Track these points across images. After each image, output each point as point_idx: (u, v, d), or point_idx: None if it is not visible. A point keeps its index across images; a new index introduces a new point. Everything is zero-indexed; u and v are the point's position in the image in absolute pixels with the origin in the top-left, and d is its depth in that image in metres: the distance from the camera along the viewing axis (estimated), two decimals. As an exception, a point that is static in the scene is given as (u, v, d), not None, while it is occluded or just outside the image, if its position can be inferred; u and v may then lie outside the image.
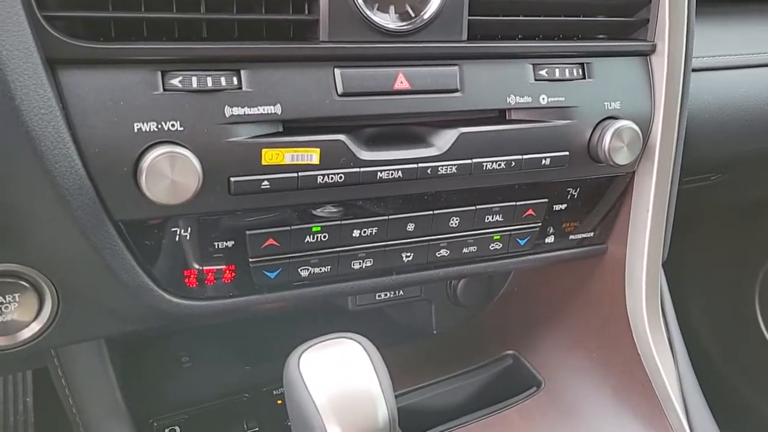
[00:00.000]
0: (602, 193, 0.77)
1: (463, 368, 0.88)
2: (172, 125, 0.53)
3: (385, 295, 0.87)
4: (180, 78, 0.53)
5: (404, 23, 0.60)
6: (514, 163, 0.67)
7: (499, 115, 0.67)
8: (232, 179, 0.56)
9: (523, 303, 0.93)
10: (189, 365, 0.83)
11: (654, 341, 0.76)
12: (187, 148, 0.53)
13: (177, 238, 0.59)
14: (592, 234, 0.79)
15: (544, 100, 0.67)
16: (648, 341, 0.77)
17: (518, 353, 0.90)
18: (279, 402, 0.78)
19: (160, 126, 0.53)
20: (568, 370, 0.84)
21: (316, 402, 0.51)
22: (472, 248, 0.72)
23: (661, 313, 0.78)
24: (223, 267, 0.62)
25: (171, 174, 0.52)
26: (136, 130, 0.52)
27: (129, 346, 0.78)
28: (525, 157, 0.68)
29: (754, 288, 1.63)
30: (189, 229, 0.59)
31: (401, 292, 0.88)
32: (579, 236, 0.78)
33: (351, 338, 0.55)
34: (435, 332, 0.94)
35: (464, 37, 0.63)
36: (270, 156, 0.58)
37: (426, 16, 0.60)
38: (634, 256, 0.79)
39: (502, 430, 0.77)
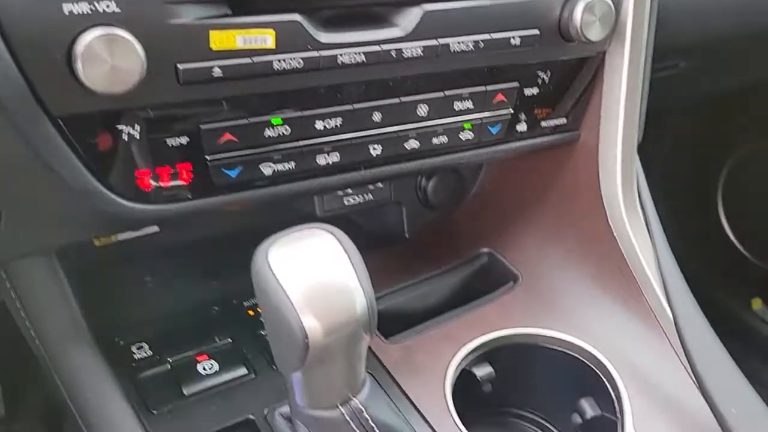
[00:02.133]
0: (574, 76, 0.74)
1: (438, 269, 0.86)
2: (107, 6, 0.48)
3: (354, 199, 0.83)
4: (112, -47, 0.48)
5: None
6: (482, 44, 0.64)
7: (466, -8, 0.63)
8: (180, 66, 0.51)
9: (496, 201, 0.91)
10: (153, 285, 0.79)
11: (630, 224, 0.75)
12: (126, 30, 0.48)
13: (125, 136, 0.54)
14: (564, 120, 0.76)
15: (512, -28, 0.63)
16: (625, 225, 0.75)
17: (494, 251, 0.88)
18: (250, 313, 0.76)
19: (93, 7, 0.47)
20: (545, 262, 0.83)
21: (289, 295, 0.48)
22: (443, 138, 0.68)
23: (637, 197, 0.76)
24: (179, 166, 0.57)
25: (110, 59, 0.47)
26: (66, 12, 0.47)
27: (88, 271, 0.74)
28: (494, 36, 0.64)
29: (718, 184, 1.66)
30: (137, 124, 0.54)
31: (371, 196, 0.85)
32: (551, 123, 0.75)
33: (322, 228, 0.52)
34: (408, 236, 0.91)
35: None
36: (219, 39, 0.53)
37: None
38: (607, 141, 0.76)
39: (481, 326, 0.76)
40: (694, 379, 0.66)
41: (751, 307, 1.73)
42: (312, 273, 0.49)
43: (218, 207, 0.61)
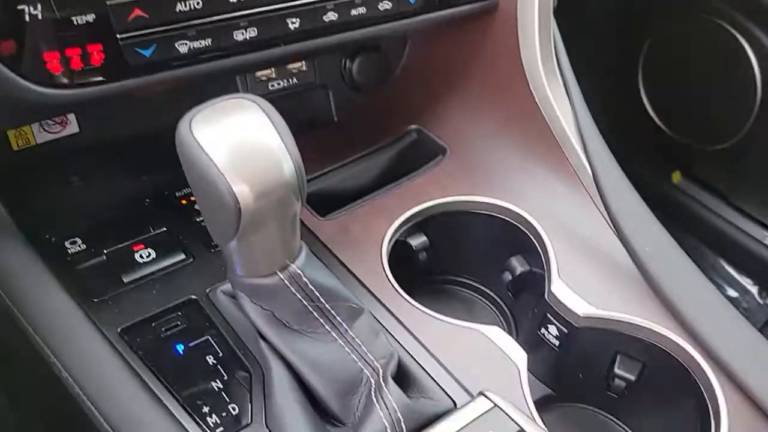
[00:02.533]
0: (488, -60, 0.74)
1: (368, 150, 0.88)
2: None
3: (279, 84, 0.83)
4: None
5: None
6: None
7: None
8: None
9: (422, 78, 0.91)
10: (81, 184, 0.78)
11: (551, 89, 0.77)
12: None
13: (28, 17, 0.52)
14: (482, -13, 0.76)
15: None
16: (545, 90, 0.77)
17: (422, 127, 0.89)
18: (183, 202, 0.75)
19: None
20: (473, 134, 0.85)
21: (216, 163, 0.48)
22: (361, 9, 0.68)
23: (555, 61, 0.78)
24: (90, 48, 0.55)
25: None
26: None
27: (11, 176, 0.72)
28: None
29: (638, 62, 1.70)
30: (39, 3, 0.51)
31: (295, 80, 0.84)
32: (469, -10, 0.76)
33: (245, 97, 0.51)
34: (336, 120, 0.91)
35: None
36: None
37: None
38: (525, 7, 0.77)
39: (413, 198, 0.78)
40: (611, 225, 0.71)
41: (672, 181, 1.82)
42: (238, 139, 0.49)
43: (135, 90, 0.59)
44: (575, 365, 0.72)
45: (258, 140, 0.49)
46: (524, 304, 0.78)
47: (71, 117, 0.72)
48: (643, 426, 0.71)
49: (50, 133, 0.72)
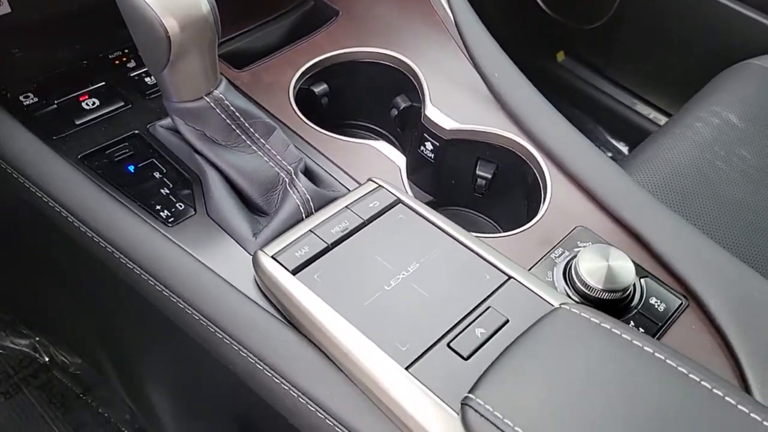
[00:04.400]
0: None
1: (270, 17, 1.02)
2: None
3: None
4: None
5: None
6: None
7: None
8: None
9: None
10: (21, 54, 0.88)
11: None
12: None
13: None
14: None
15: None
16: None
17: (317, -5, 1.04)
18: (116, 62, 0.88)
19: None
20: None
21: (149, 3, 0.62)
22: None
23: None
24: None
25: None
26: None
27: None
28: None
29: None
30: None
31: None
32: None
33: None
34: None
35: None
36: None
37: None
38: None
39: (314, 51, 0.93)
40: (469, 59, 0.89)
41: (557, 60, 2.00)
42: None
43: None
44: (448, 173, 0.91)
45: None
46: (408, 134, 0.96)
47: (2, -1, 0.82)
48: (499, 214, 0.92)
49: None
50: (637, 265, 0.68)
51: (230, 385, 0.70)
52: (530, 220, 0.76)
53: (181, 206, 0.73)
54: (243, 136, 0.73)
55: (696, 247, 0.71)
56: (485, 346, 0.59)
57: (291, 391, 0.60)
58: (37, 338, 1.30)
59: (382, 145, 0.82)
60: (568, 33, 1.88)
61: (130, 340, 0.94)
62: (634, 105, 1.84)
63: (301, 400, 0.60)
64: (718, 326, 0.66)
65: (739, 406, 0.51)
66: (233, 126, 0.73)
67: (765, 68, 1.30)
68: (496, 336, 0.59)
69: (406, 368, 0.57)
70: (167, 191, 0.74)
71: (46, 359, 1.29)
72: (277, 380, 0.61)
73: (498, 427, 0.50)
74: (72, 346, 1.25)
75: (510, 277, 0.64)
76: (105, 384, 1.25)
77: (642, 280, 0.70)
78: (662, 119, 1.76)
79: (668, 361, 0.54)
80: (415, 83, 0.92)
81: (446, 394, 0.55)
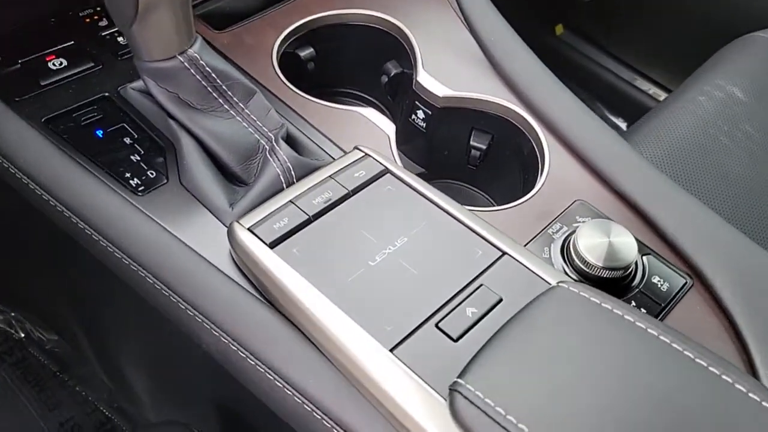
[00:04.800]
0: None
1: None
2: None
3: None
4: None
5: None
6: None
7: None
8: None
9: None
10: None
11: None
12: None
13: None
14: None
15: None
16: None
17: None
18: (87, 20, 0.83)
19: None
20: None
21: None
22: None
23: None
24: None
25: None
26: None
27: None
28: None
29: None
30: None
31: None
32: None
33: None
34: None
35: None
36: None
37: None
38: None
39: (299, 13, 0.87)
40: (464, 22, 0.84)
41: (555, 34, 1.96)
42: None
43: None
44: (441, 143, 0.87)
45: None
46: (399, 102, 0.91)
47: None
48: (493, 187, 0.88)
49: None
50: (639, 242, 0.64)
51: (208, 366, 0.66)
52: (527, 194, 0.71)
53: (152, 174, 0.68)
54: (220, 100, 0.68)
55: (702, 224, 0.66)
56: (476, 326, 0.54)
57: (267, 374, 0.56)
58: (13, 313, 1.25)
59: (371, 112, 0.77)
60: (568, 5, 1.84)
61: (104, 317, 0.90)
62: (633, 80, 1.80)
63: (278, 383, 0.55)
64: (725, 307, 0.62)
65: (750, 394, 0.47)
66: (209, 88, 0.68)
67: (771, 41, 1.25)
68: (488, 316, 0.55)
69: (391, 350, 0.53)
70: (138, 158, 0.69)
71: (22, 335, 1.24)
72: (251, 362, 0.56)
73: (489, 416, 0.45)
74: (48, 322, 1.21)
75: (504, 253, 0.59)
76: (83, 362, 1.21)
77: (644, 258, 0.65)
78: (662, 95, 1.72)
79: (674, 344, 0.50)
80: (407, 48, 0.87)
81: (433, 378, 0.51)
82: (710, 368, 0.48)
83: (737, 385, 0.47)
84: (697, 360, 0.48)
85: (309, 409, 0.54)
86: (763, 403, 0.46)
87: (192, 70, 0.66)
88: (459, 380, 0.48)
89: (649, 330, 0.50)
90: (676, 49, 1.64)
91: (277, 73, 0.80)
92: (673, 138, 1.04)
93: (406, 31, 0.86)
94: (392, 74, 0.89)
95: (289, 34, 0.85)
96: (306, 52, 0.89)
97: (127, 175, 0.67)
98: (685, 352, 0.49)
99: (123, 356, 0.98)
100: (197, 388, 0.82)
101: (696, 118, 1.08)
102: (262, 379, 0.56)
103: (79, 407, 1.20)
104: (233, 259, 0.62)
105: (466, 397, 0.47)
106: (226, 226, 0.63)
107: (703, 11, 1.52)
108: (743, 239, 0.66)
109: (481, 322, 0.54)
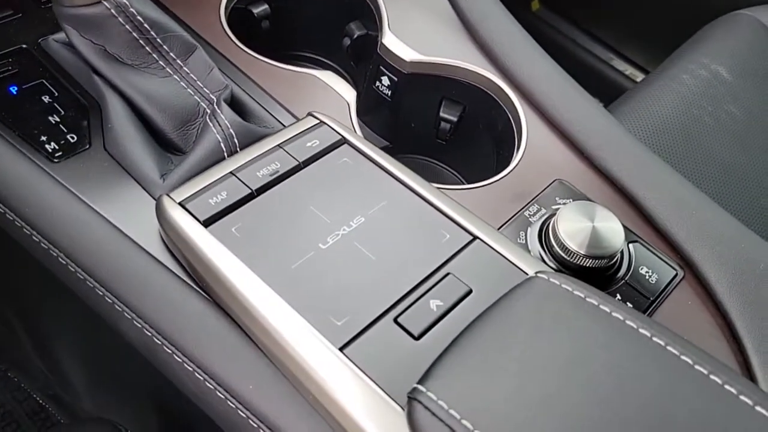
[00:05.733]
0: None
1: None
2: None
3: None
4: None
5: None
6: None
7: None
8: None
9: None
10: None
11: None
12: None
13: None
14: None
15: None
16: None
17: None
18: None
19: None
20: None
21: None
22: None
23: None
24: None
25: None
26: None
27: None
28: None
29: None
30: None
31: None
32: None
33: None
34: None
35: None
36: None
37: None
38: None
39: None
40: None
41: (531, 9, 1.89)
42: None
43: None
44: (407, 114, 0.78)
45: None
46: (364, 69, 0.82)
47: None
48: (463, 163, 0.80)
49: None
50: (625, 228, 0.57)
51: (136, 360, 0.58)
52: (501, 172, 0.63)
53: (73, 138, 0.59)
54: (154, 55, 0.59)
55: (695, 210, 0.60)
56: (441, 322, 0.47)
57: (195, 373, 0.48)
58: (-61, 293, 1.14)
59: (328, 76, 0.69)
60: (546, -20, 1.79)
61: (35, 299, 0.80)
62: (610, 60, 1.75)
63: (208, 384, 0.47)
64: (719, 302, 0.55)
65: (757, 407, 0.40)
66: (141, 41, 0.59)
67: (756, 20, 1.19)
68: (455, 310, 0.47)
69: (341, 348, 0.45)
70: (57, 119, 0.60)
71: (-51, 316, 1.14)
72: (178, 358, 0.48)
73: (453, 429, 0.38)
74: (-23, 303, 1.10)
75: (475, 237, 0.52)
76: (17, 347, 1.11)
77: (630, 246, 0.58)
78: (639, 76, 1.68)
79: (669, 348, 0.43)
80: (372, 6, 0.78)
81: (389, 383, 0.43)
82: (711, 377, 0.41)
83: (743, 397, 0.40)
84: (697, 366, 0.42)
85: (244, 415, 0.46)
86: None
87: (120, 19, 0.57)
88: (419, 386, 0.40)
89: (640, 330, 0.43)
90: (654, 29, 1.59)
91: (223, 27, 0.71)
92: (655, 117, 0.98)
93: (372, -12, 0.78)
94: (355, 36, 0.81)
95: (240, -13, 0.76)
96: (260, 9, 0.79)
97: (43, 138, 0.58)
98: (683, 357, 0.42)
99: (57, 343, 0.89)
100: (131, 382, 0.74)
101: (679, 96, 1.02)
102: (189, 377, 0.48)
103: (11, 394, 1.10)
104: (162, 238, 0.53)
105: (426, 407, 0.39)
106: (155, 200, 0.55)
107: (683, -10, 1.47)
108: (741, 228, 0.59)
109: (446, 317, 0.47)
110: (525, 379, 0.41)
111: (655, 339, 0.43)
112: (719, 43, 1.14)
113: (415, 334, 0.46)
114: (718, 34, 1.17)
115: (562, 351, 0.42)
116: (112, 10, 0.57)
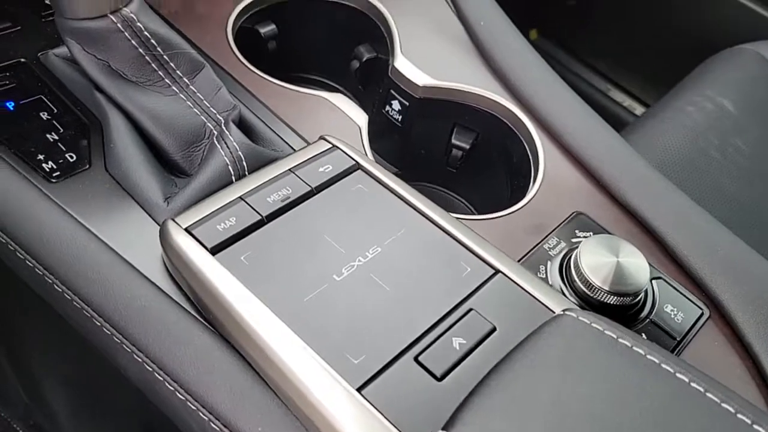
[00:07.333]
0: None
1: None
2: None
3: None
4: None
5: None
6: None
7: None
8: None
9: None
10: None
11: None
12: None
13: None
14: None
15: None
16: None
17: None
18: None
19: None
20: None
21: None
22: None
23: None
24: None
25: None
26: None
27: None
28: None
29: None
30: None
31: None
32: None
33: None
34: None
35: None
36: None
37: None
38: None
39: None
40: (450, 2, 0.74)
41: (530, 38, 1.90)
42: None
43: None
44: (418, 140, 0.76)
45: None
46: (372, 93, 0.80)
47: None
48: (474, 193, 0.78)
49: None
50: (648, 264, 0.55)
51: (132, 394, 0.54)
52: (516, 203, 0.61)
53: (72, 157, 0.56)
54: (160, 72, 0.57)
55: (720, 246, 0.58)
56: (465, 362, 0.44)
57: (199, 413, 0.44)
58: None
59: (339, 99, 0.66)
60: (544, 10, 1.79)
61: (15, 324, 0.76)
62: (608, 91, 1.76)
63: (213, 426, 0.44)
64: (747, 344, 0.53)
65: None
66: (147, 57, 0.56)
67: (759, 54, 1.19)
68: (479, 349, 0.45)
69: (359, 389, 0.42)
70: (56, 137, 0.57)
71: (-73, 339, 1.09)
72: (181, 396, 0.45)
73: (482, 481, 0.35)
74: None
75: (497, 271, 0.49)
76: (-4, 371, 1.07)
77: (654, 283, 0.56)
78: (637, 107, 1.68)
79: (709, 394, 0.40)
80: (383, 29, 0.76)
81: (412, 427, 0.40)
82: (755, 426, 0.39)
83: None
84: (739, 416, 0.39)
85: (252, 460, 0.43)
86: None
87: (126, 34, 0.55)
88: (444, 432, 0.37)
89: (678, 375, 0.41)
90: (653, 61, 1.60)
91: (231, 46, 0.69)
92: (661, 150, 0.97)
93: (383, 10, 0.76)
94: (365, 59, 0.79)
95: (248, 5, 0.74)
96: (267, 29, 0.77)
97: (40, 156, 0.55)
98: (723, 405, 0.40)
99: (39, 369, 0.85)
100: (121, 414, 0.70)
101: (685, 129, 1.01)
102: (192, 417, 0.45)
103: (-10, 423, 1.06)
104: (165, 265, 0.50)
105: (453, 457, 0.36)
106: (158, 225, 0.52)
107: (680, 25, 1.48)
108: (766, 266, 0.57)
109: (470, 357, 0.44)
110: (556, 425, 0.38)
111: (693, 385, 0.40)
112: (723, 76, 1.14)
113: (438, 374, 0.43)
114: (721, 67, 1.17)
115: (594, 395, 0.39)
116: (119, 24, 0.54)
